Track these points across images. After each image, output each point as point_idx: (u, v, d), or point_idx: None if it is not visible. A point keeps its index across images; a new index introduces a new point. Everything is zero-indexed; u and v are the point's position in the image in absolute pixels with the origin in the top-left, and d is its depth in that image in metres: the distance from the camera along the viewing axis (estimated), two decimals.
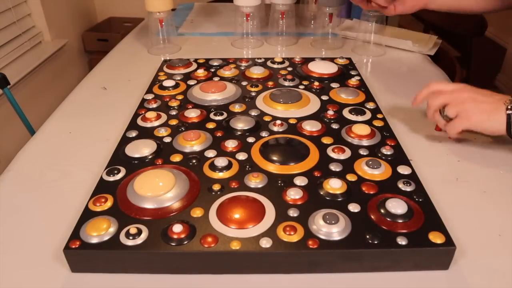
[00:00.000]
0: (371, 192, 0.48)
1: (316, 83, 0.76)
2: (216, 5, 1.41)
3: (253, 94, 0.73)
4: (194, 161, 0.55)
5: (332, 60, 0.87)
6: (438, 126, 0.65)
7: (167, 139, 0.60)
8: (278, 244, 0.42)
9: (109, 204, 0.47)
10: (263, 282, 0.42)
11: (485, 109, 0.56)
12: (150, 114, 0.65)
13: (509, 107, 0.54)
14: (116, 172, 0.52)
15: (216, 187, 0.49)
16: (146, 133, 0.62)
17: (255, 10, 1.03)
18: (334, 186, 0.48)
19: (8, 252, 0.46)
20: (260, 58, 0.89)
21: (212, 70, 0.84)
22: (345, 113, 0.66)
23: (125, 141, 0.59)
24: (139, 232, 0.43)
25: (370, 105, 0.69)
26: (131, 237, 0.42)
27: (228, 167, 0.53)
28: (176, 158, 0.55)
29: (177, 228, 0.42)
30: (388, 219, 0.44)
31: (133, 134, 0.61)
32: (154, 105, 0.70)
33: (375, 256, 0.42)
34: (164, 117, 0.66)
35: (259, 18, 1.14)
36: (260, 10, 1.17)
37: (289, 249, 0.41)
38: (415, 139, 0.64)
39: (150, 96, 0.73)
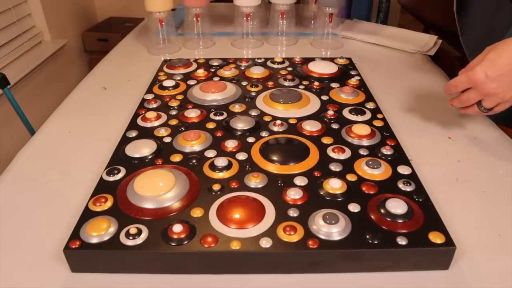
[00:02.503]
0: (371, 192, 0.48)
1: (316, 83, 0.76)
2: (216, 5, 1.41)
3: (253, 94, 0.73)
4: (194, 161, 0.55)
5: (332, 60, 0.87)
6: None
7: (167, 139, 0.60)
8: (278, 244, 0.42)
9: (109, 204, 0.47)
10: (263, 282, 0.42)
11: None
12: (150, 114, 0.65)
13: None
14: (116, 172, 0.52)
15: (216, 187, 0.49)
16: (146, 133, 0.62)
17: (255, 10, 1.03)
18: (334, 186, 0.48)
19: (8, 252, 0.46)
20: (260, 58, 0.89)
21: (212, 70, 0.84)
22: (345, 113, 0.66)
23: (125, 141, 0.59)
24: (139, 232, 0.43)
25: (370, 105, 0.69)
26: (131, 237, 0.42)
27: (228, 167, 0.53)
28: (176, 158, 0.55)
29: (177, 228, 0.43)
30: (388, 219, 0.44)
31: (133, 134, 0.61)
32: (154, 105, 0.70)
33: (375, 256, 0.42)
34: (164, 117, 0.66)
35: (259, 18, 1.14)
36: (260, 10, 1.17)
37: (289, 249, 0.41)
38: (415, 139, 0.64)
39: (150, 96, 0.73)
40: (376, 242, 0.42)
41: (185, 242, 0.42)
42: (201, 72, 0.81)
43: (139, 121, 0.65)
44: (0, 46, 1.55)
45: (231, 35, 1.11)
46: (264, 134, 0.61)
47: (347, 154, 0.56)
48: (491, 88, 0.54)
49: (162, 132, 0.62)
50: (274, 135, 0.61)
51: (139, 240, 0.42)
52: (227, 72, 0.82)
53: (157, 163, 0.54)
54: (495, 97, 0.55)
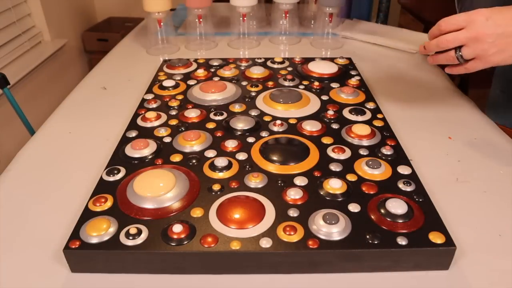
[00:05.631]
0: (371, 192, 0.48)
1: (316, 83, 0.76)
2: (216, 5, 1.41)
3: (253, 94, 0.73)
4: (194, 161, 0.55)
5: (332, 60, 0.87)
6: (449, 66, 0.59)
7: (167, 139, 0.60)
8: (278, 244, 0.42)
9: (109, 204, 0.47)
10: (263, 282, 0.42)
11: (507, 48, 0.51)
12: (150, 114, 0.65)
13: None
14: (116, 172, 0.52)
15: (216, 187, 0.49)
16: (146, 133, 0.62)
17: (254, 10, 1.03)
18: (334, 186, 0.48)
19: (8, 252, 0.45)
20: (260, 58, 0.89)
21: (212, 70, 0.84)
22: (345, 113, 0.66)
23: (125, 141, 0.59)
24: (139, 232, 0.43)
25: (370, 105, 0.69)
26: (131, 237, 0.42)
27: (228, 167, 0.53)
28: (176, 158, 0.55)
29: (177, 228, 0.42)
30: (388, 219, 0.44)
31: (133, 134, 0.61)
32: (154, 105, 0.70)
33: (375, 256, 0.42)
34: (164, 117, 0.66)
35: (259, 18, 1.14)
36: (260, 10, 1.17)
37: (289, 249, 0.41)
38: (415, 139, 0.64)
39: (150, 96, 0.73)
40: (376, 242, 0.42)
41: (185, 242, 0.42)
42: (201, 72, 0.81)
43: (139, 121, 0.65)
44: (0, 46, 1.55)
45: (231, 35, 1.11)
46: (264, 134, 0.61)
47: (347, 154, 0.56)
48: (484, 33, 0.51)
49: (162, 132, 0.62)
50: (274, 135, 0.61)
51: (139, 240, 0.42)
52: (227, 72, 0.82)
53: (157, 163, 0.54)
54: (480, 45, 0.52)
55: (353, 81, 0.77)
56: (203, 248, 0.41)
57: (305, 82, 0.78)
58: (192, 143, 0.58)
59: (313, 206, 0.46)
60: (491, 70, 0.88)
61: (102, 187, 0.50)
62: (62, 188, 0.55)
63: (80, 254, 0.42)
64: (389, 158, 0.55)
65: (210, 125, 0.63)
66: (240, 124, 0.62)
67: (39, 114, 1.04)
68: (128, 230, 0.43)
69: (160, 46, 1.03)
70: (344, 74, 0.81)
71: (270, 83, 0.77)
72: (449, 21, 0.54)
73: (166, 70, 0.84)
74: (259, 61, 0.88)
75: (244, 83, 0.78)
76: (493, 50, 0.52)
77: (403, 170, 0.52)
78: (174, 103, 0.70)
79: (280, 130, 0.62)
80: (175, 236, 0.42)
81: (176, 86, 0.76)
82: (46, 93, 1.79)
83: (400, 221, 0.44)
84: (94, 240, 0.42)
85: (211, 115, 0.66)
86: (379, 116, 0.66)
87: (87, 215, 0.45)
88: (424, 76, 0.88)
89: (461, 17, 0.53)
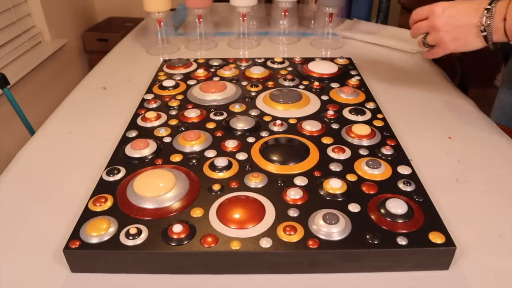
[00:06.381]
0: (371, 192, 0.48)
1: (316, 83, 0.76)
2: (216, 5, 1.41)
3: (253, 94, 0.73)
4: (194, 161, 0.55)
5: (332, 60, 0.87)
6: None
7: (167, 139, 0.60)
8: (278, 244, 0.42)
9: (109, 204, 0.47)
10: (263, 282, 0.42)
11: (459, 36, 0.59)
12: (150, 114, 0.65)
13: (482, 29, 0.57)
14: (116, 172, 0.52)
15: (216, 187, 0.49)
16: (146, 133, 0.62)
17: (254, 10, 1.03)
18: (334, 186, 0.48)
19: (8, 252, 0.45)
20: (260, 58, 0.89)
21: (212, 70, 0.84)
22: (345, 113, 0.66)
23: (125, 141, 0.59)
24: (139, 232, 0.43)
25: (370, 105, 0.69)
26: (131, 237, 0.42)
27: (228, 167, 0.53)
28: (176, 158, 0.55)
29: (177, 228, 0.42)
30: (388, 219, 0.44)
31: (133, 134, 0.61)
32: (154, 105, 0.70)
33: (375, 256, 0.42)
34: (164, 117, 0.66)
35: (259, 18, 1.14)
36: (260, 10, 1.17)
37: (289, 249, 0.41)
38: (415, 139, 0.64)
39: (150, 96, 0.73)
40: (376, 242, 0.42)
41: (185, 242, 0.42)
42: (201, 72, 0.81)
43: (139, 121, 0.65)
44: (0, 46, 1.55)
45: (231, 35, 1.11)
46: (264, 134, 0.61)
47: (347, 154, 0.56)
48: (439, 22, 0.60)
49: (162, 132, 0.62)
50: (274, 135, 0.61)
51: (139, 240, 0.42)
52: (227, 72, 0.82)
53: (157, 163, 0.54)
54: (437, 33, 0.61)
55: (353, 81, 0.77)
56: (203, 248, 0.41)
57: (305, 82, 0.78)
58: (192, 143, 0.58)
59: (313, 206, 0.46)
60: (492, 71, 0.88)
61: (102, 187, 0.50)
62: (62, 188, 0.55)
63: (80, 254, 0.42)
64: (389, 158, 0.55)
65: (210, 125, 0.63)
66: (240, 124, 0.62)
67: (39, 114, 1.04)
68: (128, 230, 0.43)
69: (160, 46, 1.03)
70: (344, 74, 0.81)
71: (270, 83, 0.77)
72: (418, 12, 0.64)
73: (166, 70, 0.84)
74: (259, 61, 0.88)
75: (244, 83, 0.78)
76: (447, 38, 0.61)
77: (403, 170, 0.52)
78: (174, 103, 0.70)
79: (280, 130, 0.62)
80: (175, 236, 0.42)
81: (176, 86, 0.76)
82: (46, 93, 1.79)
83: (400, 221, 0.44)
84: (94, 240, 0.42)
85: (211, 115, 0.66)
86: (379, 116, 0.66)
87: (87, 215, 0.45)
88: (424, 76, 0.88)
89: (425, 8, 0.63)
